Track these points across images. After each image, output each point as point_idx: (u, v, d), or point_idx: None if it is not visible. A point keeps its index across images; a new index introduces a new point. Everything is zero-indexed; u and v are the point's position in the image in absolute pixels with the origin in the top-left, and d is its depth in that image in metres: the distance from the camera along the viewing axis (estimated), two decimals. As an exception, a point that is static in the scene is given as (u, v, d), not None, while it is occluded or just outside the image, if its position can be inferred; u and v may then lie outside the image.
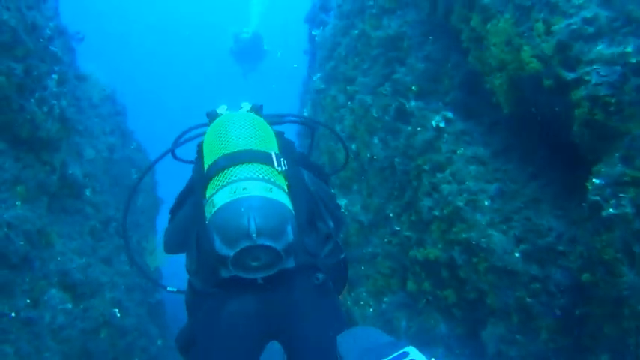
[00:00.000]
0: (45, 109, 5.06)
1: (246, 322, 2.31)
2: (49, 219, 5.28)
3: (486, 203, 3.83)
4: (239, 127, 2.49)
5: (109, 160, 7.53)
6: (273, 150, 2.44)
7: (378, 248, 5.33)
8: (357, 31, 5.99)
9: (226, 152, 2.35)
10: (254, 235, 2.01)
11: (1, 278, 4.28)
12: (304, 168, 2.78)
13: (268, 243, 2.05)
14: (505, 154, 3.95)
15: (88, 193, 6.30)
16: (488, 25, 3.55)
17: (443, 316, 4.50)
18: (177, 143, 2.94)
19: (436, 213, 4.16)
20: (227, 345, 2.31)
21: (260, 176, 2.23)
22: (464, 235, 3.86)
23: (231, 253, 2.05)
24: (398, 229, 4.94)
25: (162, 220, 3.32)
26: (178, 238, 2.69)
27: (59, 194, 5.69)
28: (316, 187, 2.72)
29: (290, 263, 2.20)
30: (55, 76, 5.34)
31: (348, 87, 6.22)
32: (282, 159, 2.39)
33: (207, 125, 2.82)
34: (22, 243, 4.38)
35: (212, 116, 2.82)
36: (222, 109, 2.87)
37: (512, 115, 3.65)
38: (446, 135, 4.28)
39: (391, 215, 5.07)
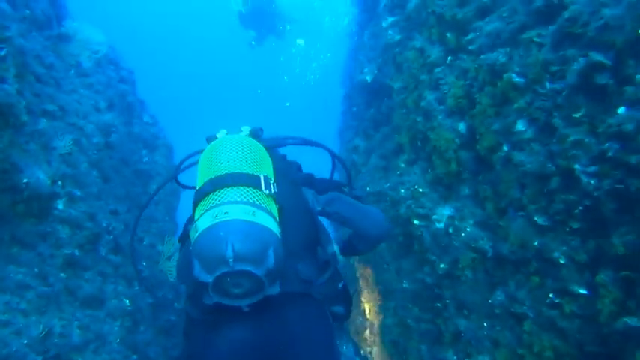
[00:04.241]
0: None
1: (237, 350, 2.10)
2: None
3: None
4: (229, 151, 2.29)
5: (102, 147, 5.16)
6: (264, 173, 2.23)
7: (527, 308, 2.92)
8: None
9: (213, 176, 2.18)
10: (231, 260, 1.89)
11: None
12: (311, 187, 2.55)
13: (247, 268, 1.91)
14: None
15: (61, 205, 3.96)
16: None
17: None
18: (178, 170, 2.76)
19: None
20: None
21: (244, 199, 2.06)
22: None
23: (210, 280, 1.92)
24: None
25: (183, 213, 2.65)
26: (189, 267, 2.20)
27: (6, 217, 3.38)
28: (323, 204, 2.47)
29: (274, 290, 2.04)
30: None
31: (449, 34, 3.71)
32: (272, 182, 2.22)
33: None
34: None
35: (211, 141, 2.52)
36: (221, 134, 2.59)
37: None
38: None
39: (559, 258, 2.64)
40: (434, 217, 3.84)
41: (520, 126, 2.87)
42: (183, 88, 32.99)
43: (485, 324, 3.33)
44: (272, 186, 2.18)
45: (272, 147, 2.68)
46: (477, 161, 3.47)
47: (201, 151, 2.55)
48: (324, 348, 2.20)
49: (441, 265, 3.73)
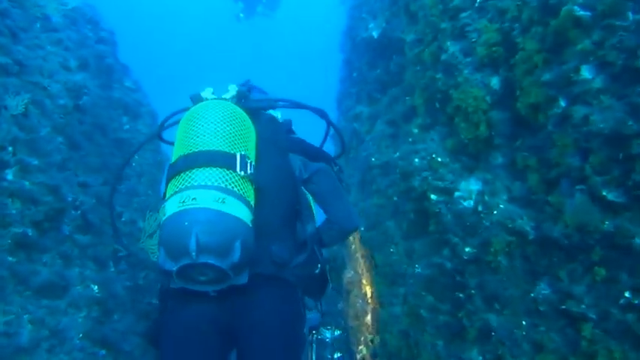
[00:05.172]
0: None
1: (202, 327, 2.02)
2: None
3: None
4: (207, 122, 2.10)
5: (71, 110, 4.42)
6: (242, 149, 2.08)
7: (587, 307, 2.25)
8: None
9: (186, 152, 2.03)
10: (194, 253, 1.78)
11: None
12: (300, 153, 2.38)
13: (210, 262, 1.81)
14: None
15: (10, 175, 3.24)
16: None
17: None
18: (162, 128, 2.55)
19: None
20: (185, 347, 2.01)
21: (215, 184, 1.93)
22: None
23: (174, 269, 1.83)
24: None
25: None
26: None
27: None
28: (311, 173, 2.35)
29: (242, 280, 1.94)
30: None
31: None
32: (249, 161, 2.06)
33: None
34: None
35: (195, 101, 2.33)
36: (207, 93, 2.37)
37: None
38: None
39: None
40: (456, 192, 3.15)
41: (586, 73, 2.16)
42: (172, 58, 32.08)
43: (523, 322, 2.67)
44: (248, 166, 2.04)
45: (260, 108, 2.47)
46: (514, 123, 2.78)
47: (186, 109, 2.32)
48: (283, 332, 2.09)
49: (466, 249, 3.05)
